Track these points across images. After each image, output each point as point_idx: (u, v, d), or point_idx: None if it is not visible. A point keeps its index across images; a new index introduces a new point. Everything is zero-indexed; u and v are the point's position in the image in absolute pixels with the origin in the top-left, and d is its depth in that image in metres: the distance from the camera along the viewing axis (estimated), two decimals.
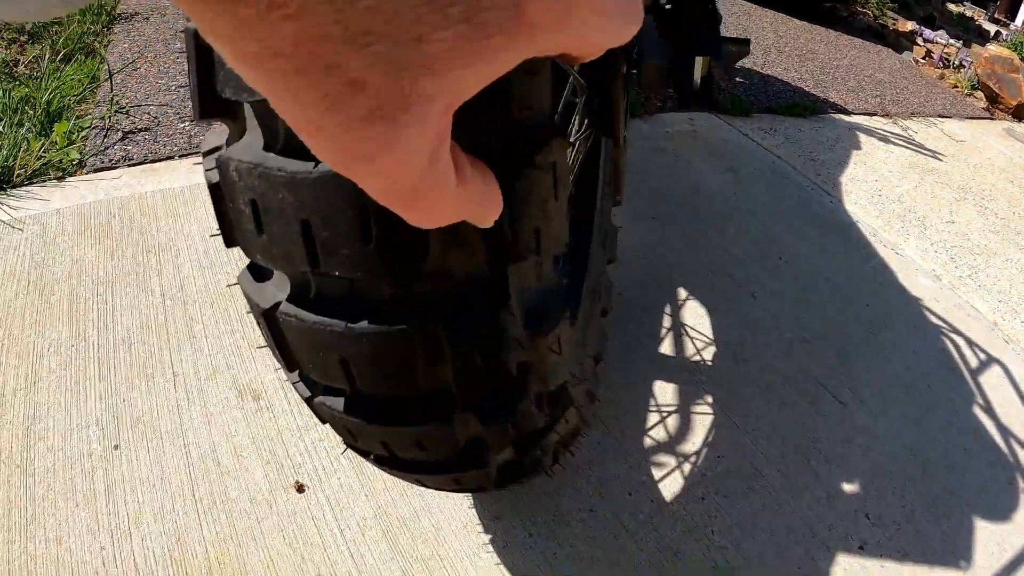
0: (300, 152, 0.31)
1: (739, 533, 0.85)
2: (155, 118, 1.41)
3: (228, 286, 1.03)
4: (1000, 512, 0.98)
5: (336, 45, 0.13)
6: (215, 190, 0.35)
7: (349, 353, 0.36)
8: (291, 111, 0.14)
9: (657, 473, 0.90)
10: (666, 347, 1.11)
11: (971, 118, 2.54)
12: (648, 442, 0.94)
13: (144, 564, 0.72)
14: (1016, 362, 1.29)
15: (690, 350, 1.12)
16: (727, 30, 1.06)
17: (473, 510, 0.81)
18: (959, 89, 2.79)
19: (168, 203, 1.19)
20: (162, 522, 0.75)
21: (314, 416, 0.87)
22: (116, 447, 0.82)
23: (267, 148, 0.32)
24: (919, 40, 3.21)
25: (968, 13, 4.11)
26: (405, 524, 0.79)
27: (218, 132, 0.38)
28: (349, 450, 0.84)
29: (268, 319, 0.37)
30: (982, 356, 1.29)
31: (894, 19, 3.42)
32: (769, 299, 1.27)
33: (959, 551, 0.91)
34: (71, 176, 1.24)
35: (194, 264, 1.07)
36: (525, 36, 0.15)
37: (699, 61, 0.75)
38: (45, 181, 1.22)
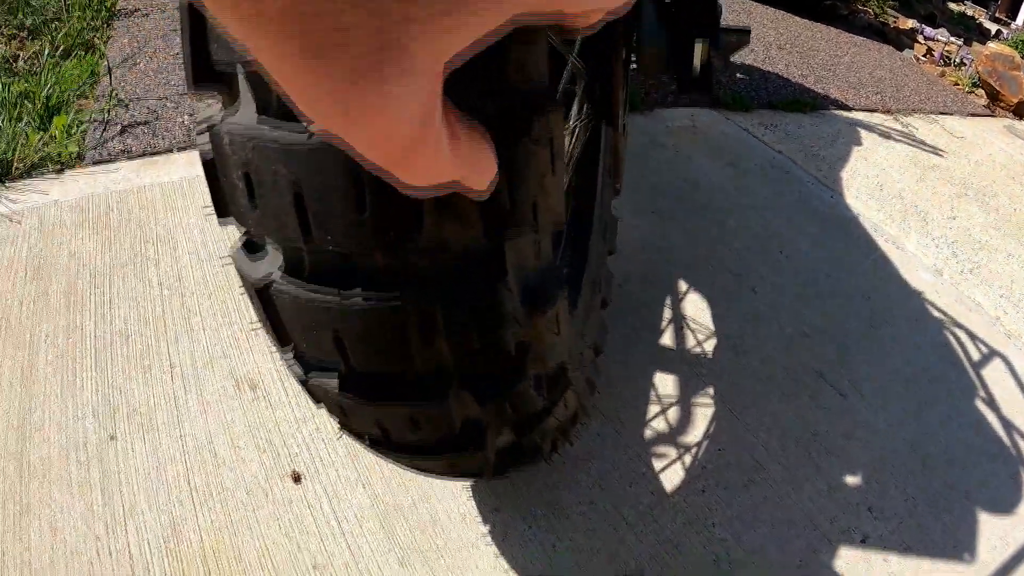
0: (294, 121, 0.30)
1: (740, 526, 0.84)
2: (154, 112, 1.40)
3: (221, 260, 1.02)
4: (1002, 506, 0.97)
5: None
6: (208, 163, 0.34)
7: (342, 327, 0.35)
8: (277, 65, 0.14)
9: (657, 465, 0.89)
10: (666, 340, 1.11)
11: (972, 115, 2.53)
12: (648, 434, 0.93)
13: (139, 554, 0.71)
14: (1018, 357, 1.28)
15: (690, 343, 1.11)
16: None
17: (472, 501, 0.81)
18: (960, 87, 2.79)
19: (166, 196, 1.19)
20: (157, 512, 0.75)
21: (311, 406, 0.87)
22: (112, 437, 0.81)
23: (260, 114, 0.31)
24: (920, 38, 3.21)
25: (969, 12, 4.11)
26: (403, 514, 0.78)
27: (212, 106, 0.37)
28: (346, 441, 0.84)
29: (261, 294, 0.37)
30: (984, 350, 1.29)
31: (895, 17, 3.42)
32: (769, 293, 1.26)
33: (962, 545, 0.90)
34: (70, 169, 1.23)
35: (192, 256, 1.07)
36: None
37: (698, 47, 0.75)
38: (44, 174, 1.21)
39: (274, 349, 0.95)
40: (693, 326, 1.14)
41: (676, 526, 0.82)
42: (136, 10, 1.84)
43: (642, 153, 1.60)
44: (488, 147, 0.21)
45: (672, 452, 0.92)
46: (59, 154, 1.25)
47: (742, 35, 0.88)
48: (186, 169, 1.26)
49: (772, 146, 1.79)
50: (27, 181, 1.19)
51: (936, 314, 1.34)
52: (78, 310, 0.96)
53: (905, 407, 1.08)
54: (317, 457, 0.83)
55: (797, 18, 2.96)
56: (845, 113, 2.16)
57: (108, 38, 1.68)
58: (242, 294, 0.41)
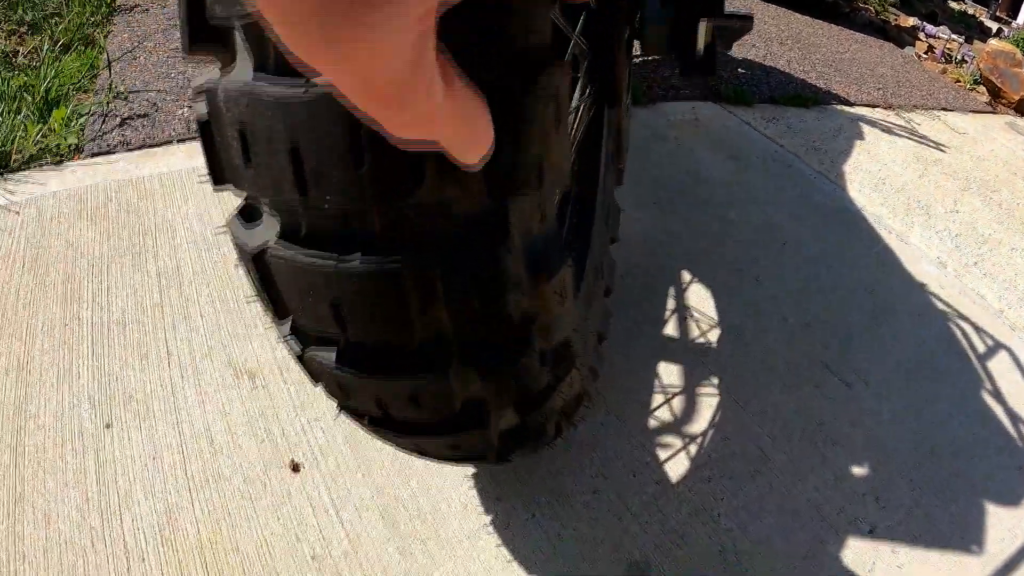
0: (290, 77, 0.30)
1: (746, 516, 0.83)
2: (154, 104, 1.40)
3: (215, 232, 1.01)
4: (1009, 498, 0.96)
5: None
6: (204, 125, 0.34)
7: (340, 293, 0.34)
8: (266, 3, 0.14)
9: (662, 455, 0.88)
10: (670, 330, 1.10)
11: (974, 112, 2.52)
12: (652, 423, 0.92)
13: (134, 543, 0.70)
14: (1023, 349, 1.27)
15: (694, 333, 1.10)
16: None
17: (474, 491, 0.79)
18: (961, 84, 2.78)
19: (165, 186, 1.18)
20: (153, 501, 0.74)
21: (310, 396, 0.86)
22: (108, 426, 0.80)
23: (258, 71, 0.30)
24: (921, 36, 3.21)
25: (970, 11, 4.11)
26: (403, 504, 0.77)
27: (208, 72, 0.36)
28: (346, 431, 0.83)
29: (257, 261, 0.36)
30: (988, 343, 1.27)
31: (896, 15, 3.42)
32: (772, 284, 1.25)
33: (969, 536, 0.89)
34: (69, 161, 1.23)
35: (191, 245, 1.06)
36: None
37: (702, 28, 0.74)
38: (42, 166, 1.21)
39: (273, 339, 0.93)
40: (696, 317, 1.13)
41: (681, 516, 0.81)
42: (136, 5, 1.84)
43: (644, 146, 1.60)
44: (486, 118, 0.21)
45: (676, 442, 0.90)
46: (58, 146, 1.24)
47: (745, 21, 0.87)
48: (185, 160, 1.25)
49: (774, 140, 1.79)
50: (25, 173, 1.18)
51: (940, 306, 1.33)
52: (75, 299, 0.95)
53: (910, 398, 1.07)
54: (316, 446, 0.82)
55: (798, 15, 2.96)
56: (847, 108, 2.15)
57: (108, 33, 1.68)
58: (238, 267, 0.40)
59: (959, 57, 3.01)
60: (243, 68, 0.32)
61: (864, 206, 1.61)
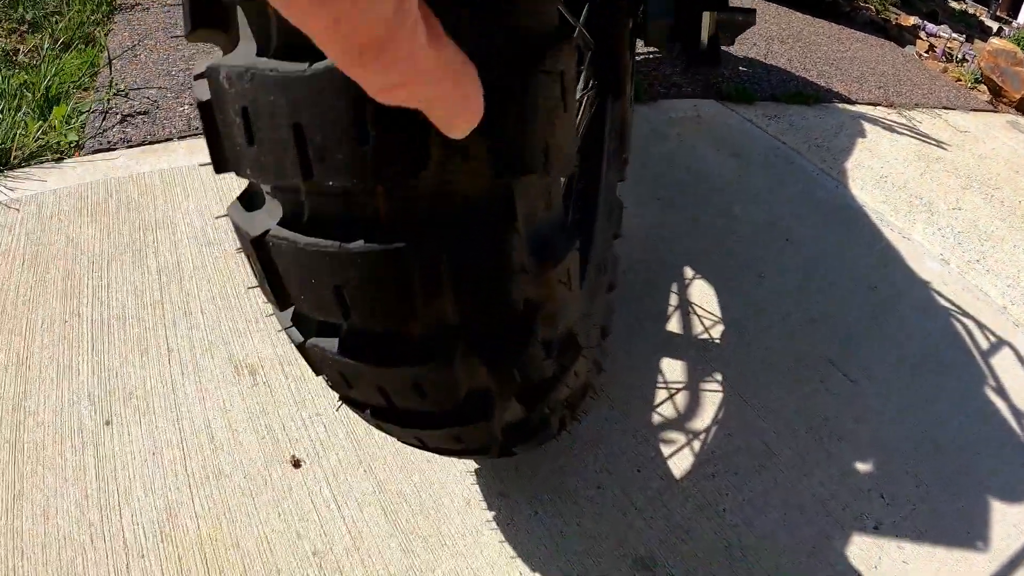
0: (293, 55, 0.29)
1: (751, 511, 0.82)
2: (154, 102, 1.39)
3: (217, 217, 1.01)
4: (1014, 494, 0.95)
5: None
6: (205, 106, 0.33)
7: (343, 278, 0.34)
8: None
9: (666, 450, 0.88)
10: (673, 326, 1.09)
11: (975, 110, 2.52)
12: (656, 419, 0.91)
13: (133, 540, 0.69)
14: None
15: (696, 329, 1.09)
16: None
17: (477, 486, 0.79)
18: (962, 82, 2.78)
19: (166, 183, 1.18)
20: (153, 497, 0.73)
21: (311, 391, 0.85)
22: (108, 422, 0.80)
23: (260, 54, 0.30)
24: (922, 35, 3.20)
25: (970, 10, 4.11)
26: (406, 500, 0.76)
27: (209, 56, 0.36)
28: (348, 426, 0.82)
29: (258, 247, 0.35)
30: (992, 339, 1.27)
31: (896, 14, 3.42)
32: (775, 280, 1.25)
33: (975, 532, 0.88)
34: (69, 158, 1.22)
35: (191, 241, 1.06)
36: None
37: (706, 19, 0.73)
38: (43, 163, 1.20)
39: (273, 334, 0.93)
40: (699, 313, 1.13)
41: (686, 511, 0.80)
42: (137, 4, 1.83)
43: (646, 143, 1.59)
44: (475, 85, 0.20)
45: (681, 437, 0.90)
46: (58, 143, 1.24)
47: (748, 15, 0.87)
48: (186, 157, 1.24)
49: (776, 137, 1.78)
50: (26, 170, 1.18)
51: (943, 303, 1.33)
52: (75, 296, 0.95)
53: (915, 394, 1.07)
54: (317, 442, 0.81)
55: (799, 14, 2.96)
56: (848, 106, 2.15)
57: (108, 31, 1.68)
58: (239, 251, 0.39)
59: (960, 56, 3.01)
60: (246, 49, 0.31)
61: (866, 203, 1.60)
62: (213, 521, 0.72)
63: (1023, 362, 1.23)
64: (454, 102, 0.20)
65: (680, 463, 0.86)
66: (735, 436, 0.92)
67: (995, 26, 3.93)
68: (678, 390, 0.97)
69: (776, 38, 2.55)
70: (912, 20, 3.35)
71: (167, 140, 1.29)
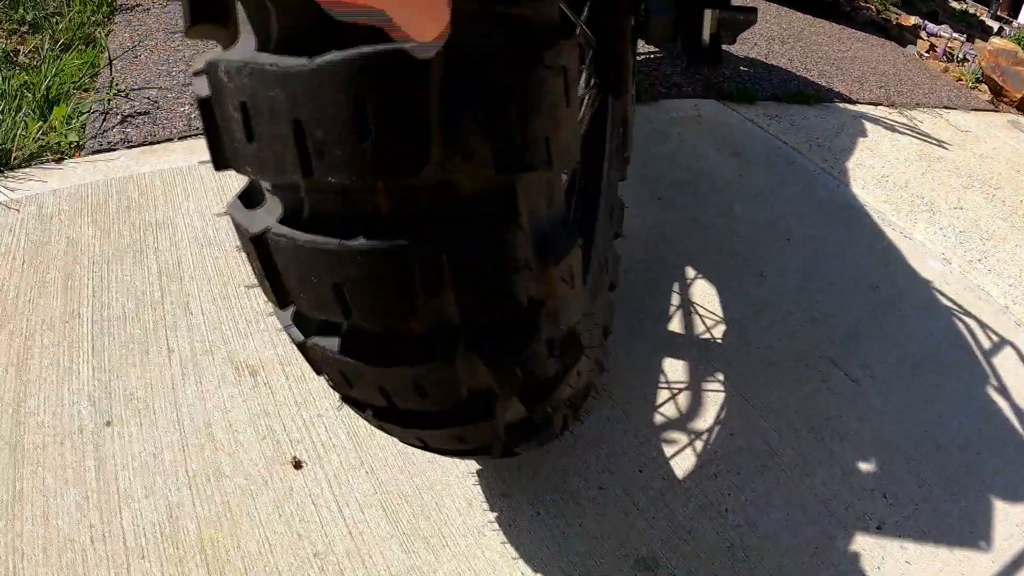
0: (293, 49, 0.29)
1: (753, 511, 0.82)
2: (155, 102, 1.39)
3: (216, 215, 1.01)
4: (1017, 493, 0.95)
5: None
6: (204, 102, 0.33)
7: (343, 276, 0.33)
8: None
9: (668, 450, 0.87)
10: (674, 326, 1.09)
11: (976, 110, 2.52)
12: (658, 419, 0.91)
13: (134, 541, 0.69)
14: None
15: (698, 328, 1.09)
16: None
17: (478, 487, 0.78)
18: (963, 82, 2.78)
19: (166, 183, 1.17)
20: (153, 499, 0.73)
21: (312, 392, 0.85)
22: (108, 423, 0.80)
23: (260, 49, 0.29)
24: (922, 34, 3.20)
25: (971, 10, 4.11)
26: (407, 501, 0.76)
27: (208, 53, 0.36)
28: (349, 427, 0.82)
29: (258, 244, 0.35)
30: (994, 338, 1.26)
31: (897, 14, 3.42)
32: (776, 279, 1.24)
33: (978, 532, 0.88)
34: (69, 158, 1.22)
35: (192, 241, 1.05)
36: None
37: (708, 17, 0.73)
38: (43, 163, 1.20)
39: (274, 335, 0.93)
40: (700, 312, 1.12)
41: (688, 511, 0.80)
42: (137, 4, 1.83)
43: (647, 143, 1.59)
44: None
45: (683, 437, 0.89)
46: (58, 143, 1.24)
47: (749, 14, 0.86)
48: (186, 157, 1.24)
49: (777, 137, 1.78)
50: (26, 170, 1.18)
51: (945, 302, 1.32)
52: (75, 297, 0.95)
53: (916, 393, 1.06)
54: (319, 443, 0.81)
55: (799, 14, 2.96)
56: (849, 106, 2.15)
57: (109, 31, 1.68)
58: (239, 249, 0.39)
59: (961, 55, 3.01)
60: (245, 43, 0.31)
61: (867, 202, 1.60)
62: (214, 522, 0.71)
63: None
64: (418, 8, 0.18)
65: (682, 463, 0.86)
66: (737, 436, 0.91)
67: (996, 26, 3.93)
68: (680, 390, 0.97)
69: (777, 38, 2.55)
70: (913, 20, 3.35)
71: (167, 140, 1.29)
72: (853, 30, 2.99)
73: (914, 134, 2.07)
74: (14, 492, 0.72)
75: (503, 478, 0.79)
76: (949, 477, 0.93)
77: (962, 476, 0.94)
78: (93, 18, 1.72)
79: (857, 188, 1.66)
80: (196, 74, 0.35)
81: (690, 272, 1.22)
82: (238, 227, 0.37)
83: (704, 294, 1.17)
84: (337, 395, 0.50)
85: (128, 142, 1.27)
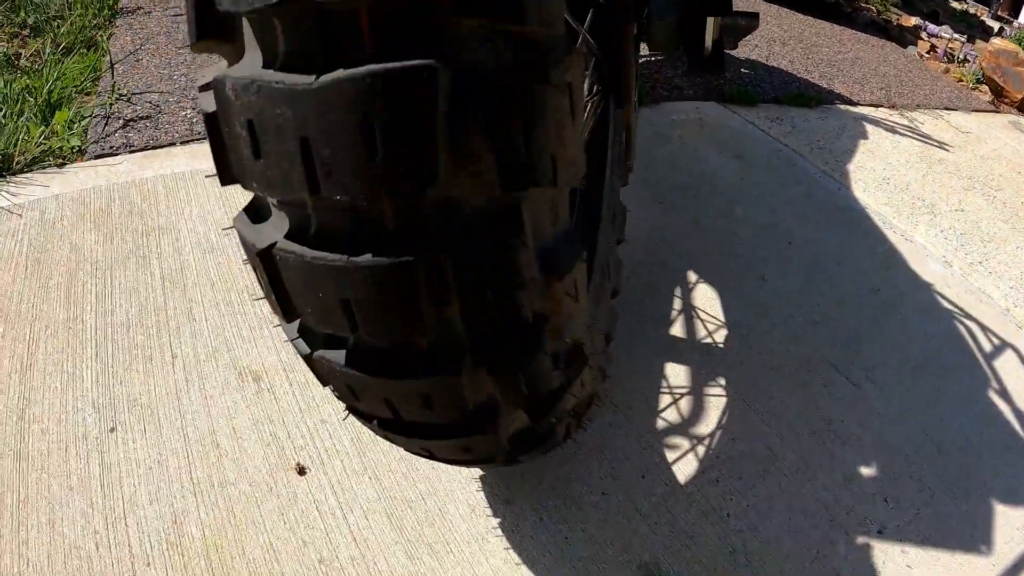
0: (300, 67, 0.29)
1: (755, 516, 0.82)
2: (157, 106, 1.39)
3: (223, 230, 1.01)
4: (1018, 496, 0.95)
5: None
6: (210, 118, 0.33)
7: (350, 291, 0.34)
8: None
9: (670, 455, 0.87)
10: (676, 330, 1.09)
11: (977, 111, 2.52)
12: (660, 424, 0.91)
13: (139, 548, 0.69)
14: None
15: (700, 332, 1.09)
16: None
17: (481, 493, 0.79)
18: (964, 83, 2.78)
19: (169, 188, 1.18)
20: (158, 505, 0.73)
21: (316, 398, 0.85)
22: (112, 430, 0.80)
23: (267, 66, 0.30)
24: (923, 35, 3.20)
25: (971, 10, 4.11)
26: (411, 507, 0.76)
27: (215, 67, 0.36)
28: (352, 434, 0.82)
29: (264, 259, 0.35)
30: (995, 341, 1.27)
31: (897, 15, 3.42)
32: (778, 282, 1.24)
33: (979, 536, 0.88)
34: (71, 163, 1.22)
35: (195, 246, 1.06)
36: None
37: (710, 23, 0.73)
38: (45, 168, 1.20)
39: (278, 341, 0.93)
40: (702, 315, 1.13)
41: (690, 517, 0.80)
42: (139, 8, 1.83)
43: (648, 145, 1.59)
44: None
45: (685, 442, 0.90)
46: (60, 148, 1.24)
47: (751, 19, 0.87)
48: (189, 162, 1.24)
49: (778, 139, 1.78)
50: (28, 175, 1.18)
51: (946, 305, 1.32)
52: (79, 302, 0.95)
53: (917, 397, 1.07)
54: (323, 449, 0.81)
55: (800, 15, 2.96)
56: (850, 108, 2.15)
57: (110, 35, 1.68)
58: (245, 263, 0.39)
59: (961, 56, 3.00)
60: (252, 61, 0.31)
61: (869, 205, 1.60)
62: (219, 529, 0.72)
63: None
64: None
65: (684, 468, 0.86)
66: (739, 440, 0.92)
67: (996, 26, 3.93)
68: (682, 394, 0.97)
69: (778, 40, 2.55)
70: (913, 21, 3.35)
71: (170, 145, 1.29)
72: (854, 31, 2.99)
73: (915, 136, 2.07)
74: (19, 498, 0.72)
75: (506, 484, 0.80)
76: (950, 480, 0.93)
77: (963, 479, 0.94)
78: (94, 21, 1.72)
79: (858, 190, 1.66)
80: (202, 89, 0.35)
81: (691, 275, 1.22)
82: (244, 241, 0.37)
83: (705, 297, 1.17)
84: (342, 404, 0.50)
85: (130, 147, 1.27)
